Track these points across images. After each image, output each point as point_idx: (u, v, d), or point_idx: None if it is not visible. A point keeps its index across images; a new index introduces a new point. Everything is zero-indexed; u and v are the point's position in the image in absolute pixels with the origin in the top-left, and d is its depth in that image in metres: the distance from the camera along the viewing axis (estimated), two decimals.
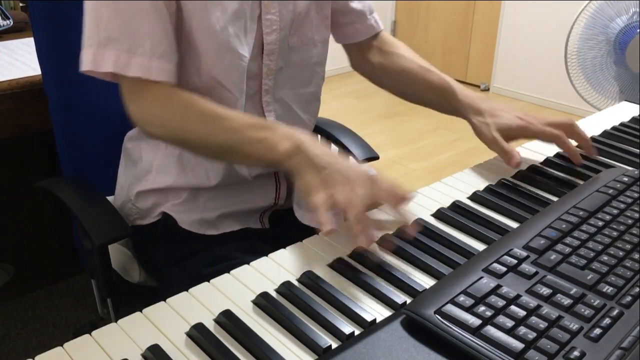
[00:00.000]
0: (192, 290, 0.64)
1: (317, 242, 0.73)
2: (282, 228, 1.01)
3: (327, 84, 1.06)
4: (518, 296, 0.60)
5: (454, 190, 0.87)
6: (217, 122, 0.81)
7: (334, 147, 1.27)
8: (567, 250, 0.68)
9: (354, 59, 1.12)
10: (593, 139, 1.05)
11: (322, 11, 0.98)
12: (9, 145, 1.65)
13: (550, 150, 1.01)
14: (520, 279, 0.63)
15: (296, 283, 0.65)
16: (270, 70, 0.93)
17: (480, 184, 0.89)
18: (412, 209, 0.81)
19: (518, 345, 0.54)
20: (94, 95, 1.11)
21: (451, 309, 0.58)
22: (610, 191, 0.81)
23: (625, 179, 0.85)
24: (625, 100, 1.30)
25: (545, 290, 0.61)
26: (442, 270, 0.68)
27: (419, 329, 0.58)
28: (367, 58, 1.09)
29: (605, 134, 1.08)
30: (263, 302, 0.62)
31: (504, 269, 0.64)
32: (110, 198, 1.03)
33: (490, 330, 0.56)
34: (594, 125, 1.13)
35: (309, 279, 0.65)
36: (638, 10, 2.25)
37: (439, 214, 0.80)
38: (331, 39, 1.05)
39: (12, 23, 1.64)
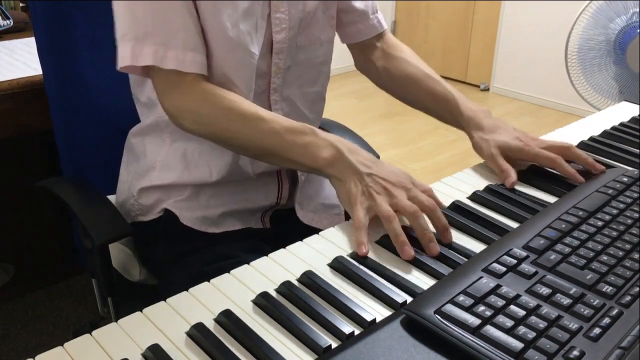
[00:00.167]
0: (192, 290, 0.64)
1: (317, 242, 0.73)
2: (283, 228, 1.01)
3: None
4: (518, 296, 0.60)
5: (454, 190, 0.87)
6: (259, 125, 0.82)
7: None
8: (567, 250, 0.68)
9: (358, 59, 1.12)
10: (593, 139, 1.05)
11: (328, 11, 0.99)
12: (9, 145, 1.65)
13: None
14: (520, 279, 0.63)
15: (296, 283, 0.66)
16: (279, 68, 0.94)
17: (480, 184, 0.89)
18: None
19: (518, 344, 0.54)
20: (94, 95, 1.11)
21: (451, 308, 0.58)
22: (610, 191, 0.81)
23: (625, 179, 0.85)
24: (625, 100, 1.30)
25: (544, 290, 0.61)
26: (442, 270, 0.68)
27: (419, 329, 0.58)
28: (371, 60, 1.09)
29: (605, 134, 1.08)
30: (263, 302, 0.62)
31: (504, 269, 0.64)
32: (110, 197, 1.03)
33: (490, 330, 0.56)
34: (594, 125, 1.13)
35: (309, 279, 0.65)
36: (638, 10, 2.25)
37: None
38: (336, 39, 1.05)
39: (12, 23, 1.64)
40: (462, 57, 4.24)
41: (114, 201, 1.06)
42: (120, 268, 1.04)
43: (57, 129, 1.12)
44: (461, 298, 0.59)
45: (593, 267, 0.65)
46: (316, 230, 0.76)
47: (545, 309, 0.58)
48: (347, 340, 0.57)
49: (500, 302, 0.59)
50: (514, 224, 0.78)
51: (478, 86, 4.17)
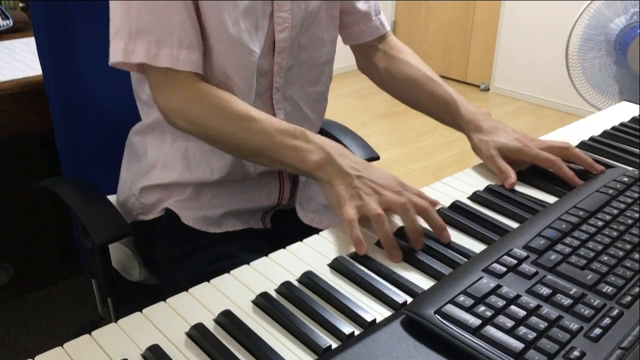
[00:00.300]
0: (192, 290, 0.64)
1: (317, 242, 0.73)
2: (283, 228, 1.01)
3: None
4: (518, 296, 0.60)
5: (454, 190, 0.87)
6: (250, 125, 0.82)
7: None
8: (567, 250, 0.68)
9: (360, 61, 1.12)
10: (593, 139, 1.05)
11: (331, 11, 0.99)
12: (9, 145, 1.65)
13: None
14: (520, 279, 0.63)
15: (296, 283, 0.65)
16: (281, 68, 0.94)
17: (480, 184, 0.89)
18: None
19: (518, 345, 0.54)
20: (94, 95, 1.11)
21: (451, 309, 0.58)
22: (610, 191, 0.81)
23: (625, 179, 0.85)
24: (625, 100, 1.30)
25: (545, 290, 0.61)
26: (442, 270, 0.68)
27: (419, 329, 0.58)
28: (373, 61, 1.09)
29: (605, 134, 1.08)
30: (263, 302, 0.62)
31: (504, 269, 0.64)
32: (111, 197, 1.03)
33: (490, 330, 0.56)
34: (594, 125, 1.13)
35: (309, 279, 0.65)
36: (638, 10, 2.25)
37: (439, 214, 0.80)
38: (338, 39, 1.05)
39: (12, 23, 1.64)
40: (462, 57, 4.24)
41: (115, 200, 1.06)
42: (120, 268, 1.04)
43: (57, 129, 1.12)
44: (461, 298, 0.59)
45: (593, 267, 0.65)
46: (316, 231, 0.76)
47: (546, 309, 0.58)
48: (347, 341, 0.57)
49: (501, 303, 0.59)
50: (514, 224, 0.78)
51: (478, 86, 4.17)
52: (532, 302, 0.59)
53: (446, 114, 1.01)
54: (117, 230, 0.90)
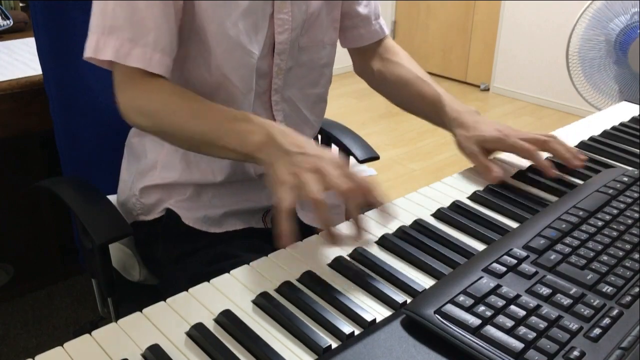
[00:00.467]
0: (192, 290, 0.64)
1: (317, 242, 0.73)
2: None
3: None
4: (518, 296, 0.60)
5: (454, 190, 0.87)
6: (197, 113, 0.81)
7: (334, 147, 1.27)
8: (567, 250, 0.68)
9: (357, 64, 1.13)
10: (593, 139, 1.05)
11: (331, 13, 0.99)
12: (9, 145, 1.65)
13: None
14: (520, 279, 0.63)
15: (296, 283, 0.65)
16: (280, 69, 0.94)
17: (480, 184, 0.89)
18: (413, 209, 0.82)
19: (518, 345, 0.54)
20: (95, 95, 1.11)
21: (451, 308, 0.58)
22: (610, 191, 0.81)
23: (625, 179, 0.85)
24: (625, 100, 1.30)
25: (545, 290, 0.61)
26: (442, 270, 0.68)
27: (419, 329, 0.58)
28: (369, 64, 1.10)
29: (605, 134, 1.08)
30: (263, 302, 0.62)
31: (504, 269, 0.64)
32: (111, 197, 1.03)
33: (490, 330, 0.56)
34: (594, 125, 1.13)
35: (309, 279, 0.65)
36: (638, 10, 2.25)
37: (439, 214, 0.80)
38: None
39: (12, 23, 1.64)
40: (462, 57, 4.24)
41: (115, 201, 1.06)
42: (120, 268, 1.04)
43: (57, 129, 1.12)
44: (461, 298, 0.59)
45: (593, 267, 0.65)
46: (317, 231, 0.76)
47: (546, 309, 0.58)
48: (347, 341, 0.57)
49: (501, 302, 0.59)
50: (514, 224, 0.78)
51: (478, 86, 4.17)
52: (532, 302, 0.59)
53: (433, 113, 1.01)
54: (117, 230, 0.90)
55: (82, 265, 1.15)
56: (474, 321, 0.56)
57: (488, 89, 4.13)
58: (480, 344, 0.54)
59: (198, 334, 0.57)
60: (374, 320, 0.60)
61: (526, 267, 0.65)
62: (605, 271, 0.64)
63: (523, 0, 3.75)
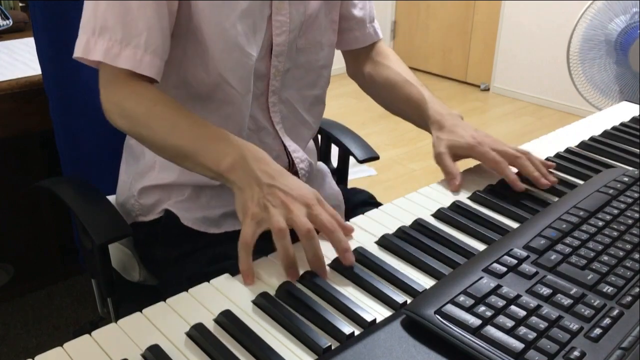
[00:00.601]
0: (192, 290, 0.64)
1: None
2: None
3: None
4: (518, 296, 0.60)
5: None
6: (178, 125, 0.80)
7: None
8: (567, 250, 0.68)
9: (349, 66, 1.13)
10: (593, 138, 1.05)
11: (330, 15, 0.98)
12: (9, 145, 1.65)
13: (550, 150, 1.01)
14: (520, 279, 0.63)
15: (296, 283, 0.65)
16: (278, 71, 0.93)
17: (480, 184, 0.89)
18: (413, 209, 0.82)
19: (518, 345, 0.54)
20: (95, 95, 1.11)
21: (451, 309, 0.58)
22: (610, 191, 0.81)
23: (625, 179, 0.85)
24: (625, 100, 1.30)
25: (545, 290, 0.61)
26: (442, 270, 0.68)
27: (419, 329, 0.58)
28: (361, 67, 1.10)
29: (605, 134, 1.08)
30: (263, 302, 0.62)
31: (504, 269, 0.64)
32: (110, 197, 1.03)
33: (491, 330, 0.56)
34: (594, 125, 1.13)
35: (309, 279, 0.65)
36: (638, 10, 2.25)
37: (439, 214, 0.80)
38: None
39: (12, 23, 1.64)
40: (462, 57, 4.24)
41: (114, 201, 1.06)
42: (120, 268, 1.04)
43: (57, 129, 1.12)
44: (461, 298, 0.59)
45: (593, 267, 0.65)
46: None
47: (546, 310, 0.58)
48: (347, 341, 0.57)
49: (501, 303, 0.59)
50: (514, 224, 0.78)
51: (478, 86, 4.16)
52: (532, 302, 0.59)
53: (417, 115, 1.00)
54: (117, 231, 0.90)
55: (82, 265, 1.15)
56: (474, 321, 0.56)
57: (488, 89, 4.13)
58: (481, 344, 0.54)
59: (198, 334, 0.57)
60: (374, 320, 0.60)
61: (526, 267, 0.65)
62: (605, 271, 0.64)
63: (523, 0, 3.75)
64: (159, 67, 0.83)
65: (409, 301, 0.62)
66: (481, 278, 0.62)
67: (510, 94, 4.01)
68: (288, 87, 0.97)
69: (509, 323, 0.56)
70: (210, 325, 0.59)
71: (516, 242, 0.70)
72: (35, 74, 1.28)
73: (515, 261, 0.66)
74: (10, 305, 1.82)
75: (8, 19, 1.64)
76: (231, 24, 0.85)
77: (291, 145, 0.99)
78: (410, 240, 0.73)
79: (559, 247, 0.69)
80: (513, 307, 0.58)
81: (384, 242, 0.73)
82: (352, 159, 1.24)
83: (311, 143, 1.10)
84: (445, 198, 0.85)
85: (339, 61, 1.10)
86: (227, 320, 0.59)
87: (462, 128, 0.92)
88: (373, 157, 1.21)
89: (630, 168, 0.92)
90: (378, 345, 0.56)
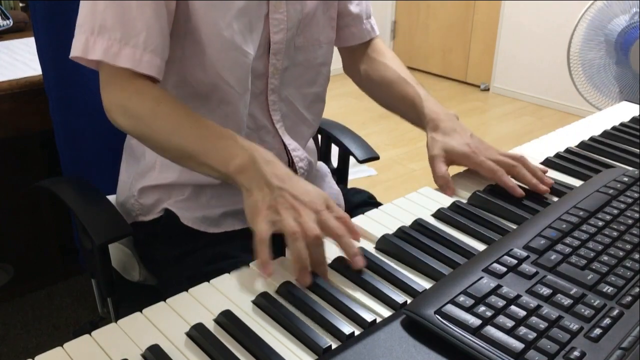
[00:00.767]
0: (192, 290, 0.64)
1: None
2: None
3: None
4: (518, 296, 0.60)
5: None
6: (183, 124, 0.80)
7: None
8: (567, 250, 0.68)
9: (346, 63, 1.13)
10: (593, 138, 1.05)
11: (328, 12, 0.98)
12: (9, 145, 1.65)
13: (550, 150, 1.01)
14: (520, 279, 0.63)
15: (296, 283, 0.65)
16: (276, 69, 0.93)
17: (480, 184, 0.89)
18: (413, 209, 0.82)
19: (518, 345, 0.54)
20: (95, 95, 1.11)
21: (451, 309, 0.58)
22: (610, 191, 0.81)
23: (625, 179, 0.85)
24: (625, 100, 1.30)
25: (545, 291, 0.61)
26: (442, 270, 0.68)
27: (419, 329, 0.58)
28: (357, 64, 1.09)
29: (605, 134, 1.08)
30: (263, 302, 0.62)
31: (504, 269, 0.64)
32: (110, 197, 1.03)
33: (491, 330, 0.56)
34: (594, 125, 1.13)
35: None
36: (638, 10, 2.25)
37: (439, 214, 0.80)
38: None
39: (12, 23, 1.64)
40: (462, 57, 4.24)
41: (114, 201, 1.06)
42: (120, 268, 1.04)
43: (57, 129, 1.12)
44: (461, 298, 0.59)
45: (593, 267, 0.65)
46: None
47: (546, 310, 0.58)
48: (347, 341, 0.57)
49: (501, 303, 0.59)
50: (514, 224, 0.78)
51: (478, 86, 4.16)
52: (532, 302, 0.59)
53: (413, 113, 1.00)
54: (117, 231, 0.90)
55: (82, 265, 1.15)
56: (474, 321, 0.56)
57: (488, 89, 4.13)
58: (481, 344, 0.54)
59: (198, 334, 0.57)
60: (374, 320, 0.60)
61: (526, 267, 0.65)
62: (605, 271, 0.64)
63: (523, 0, 3.75)
64: (159, 66, 0.83)
65: (409, 301, 0.62)
66: (481, 278, 0.62)
67: (510, 94, 4.01)
68: (287, 85, 0.97)
69: (509, 323, 0.56)
70: (210, 325, 0.59)
71: (516, 242, 0.70)
72: (35, 74, 1.28)
73: (515, 261, 0.66)
74: (10, 305, 1.82)
75: (8, 19, 1.64)
76: (227, 23, 0.85)
77: (291, 144, 0.99)
78: (410, 240, 0.73)
79: (559, 247, 0.69)
80: (513, 307, 0.58)
81: (384, 242, 0.73)
82: (352, 159, 1.24)
83: (311, 142, 1.10)
84: (445, 198, 0.85)
85: (339, 61, 1.10)
86: (227, 320, 0.59)
87: (457, 132, 0.91)
88: (373, 157, 1.21)
89: (630, 168, 0.92)
90: (378, 345, 0.56)
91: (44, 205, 1.77)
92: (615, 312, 0.58)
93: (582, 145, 1.03)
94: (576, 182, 0.90)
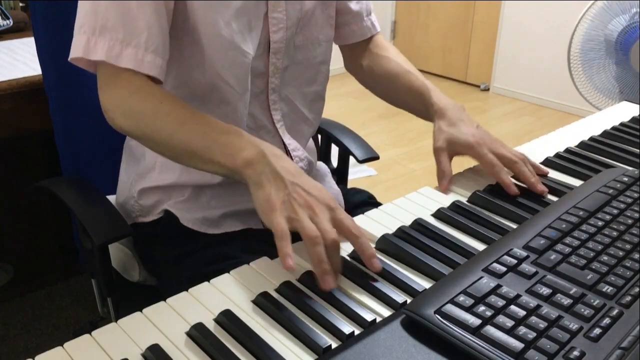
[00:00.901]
0: (192, 290, 0.64)
1: None
2: None
3: (327, 83, 1.07)
4: (518, 296, 0.60)
5: (454, 190, 0.87)
6: (186, 121, 0.79)
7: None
8: (567, 250, 0.68)
9: (347, 60, 1.13)
10: (593, 138, 1.05)
11: (326, 10, 0.98)
12: (9, 145, 1.65)
13: (550, 150, 1.01)
14: (520, 279, 0.63)
15: (296, 283, 0.65)
16: (276, 68, 0.93)
17: (480, 184, 0.89)
18: (413, 209, 0.82)
19: (518, 345, 0.54)
20: (95, 95, 1.11)
21: (451, 308, 0.58)
22: (610, 191, 0.81)
23: (625, 179, 0.85)
24: (625, 100, 1.30)
25: (545, 290, 0.61)
26: (442, 270, 0.68)
27: (419, 329, 0.58)
28: (358, 60, 1.10)
29: (605, 134, 1.08)
30: (263, 302, 0.62)
31: (504, 269, 0.64)
32: (110, 197, 1.03)
33: (490, 330, 0.56)
34: (594, 125, 1.13)
35: (309, 279, 0.65)
36: (638, 10, 2.26)
37: (439, 214, 0.80)
38: None
39: (12, 23, 1.64)
40: (462, 57, 4.24)
41: (114, 202, 1.06)
42: (119, 268, 1.04)
43: (57, 129, 1.12)
44: (461, 298, 0.59)
45: (593, 267, 0.65)
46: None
47: (546, 309, 0.58)
48: (347, 341, 0.57)
49: (501, 302, 0.59)
50: (514, 224, 0.78)
51: (478, 86, 4.16)
52: (532, 302, 0.59)
53: (420, 104, 1.00)
54: (117, 231, 0.90)
55: (82, 265, 1.15)
56: (474, 321, 0.56)
57: (488, 89, 4.13)
58: (480, 344, 0.54)
59: (198, 334, 0.57)
60: (374, 320, 0.60)
61: (526, 267, 0.65)
62: (605, 271, 0.64)
63: (523, 0, 3.75)
64: (160, 67, 0.82)
65: (409, 301, 0.62)
66: (481, 278, 0.63)
67: (510, 94, 4.01)
68: (287, 84, 0.97)
69: (509, 323, 0.56)
70: (210, 325, 0.59)
71: (516, 242, 0.70)
72: (35, 74, 1.28)
73: (515, 261, 0.66)
74: (10, 305, 1.82)
75: (8, 19, 1.64)
76: (226, 22, 0.85)
77: (291, 144, 0.99)
78: (410, 240, 0.73)
79: (559, 247, 0.69)
80: (513, 307, 0.58)
81: (384, 242, 0.73)
82: (352, 159, 1.24)
83: (311, 142, 1.10)
84: (445, 198, 0.85)
85: (339, 61, 1.10)
86: (227, 320, 0.59)
87: (464, 123, 0.92)
88: (373, 157, 1.22)
89: (630, 168, 0.92)
90: (378, 345, 0.56)
91: (44, 205, 1.77)
92: (615, 312, 0.58)
93: (582, 145, 1.03)
94: (576, 182, 0.90)
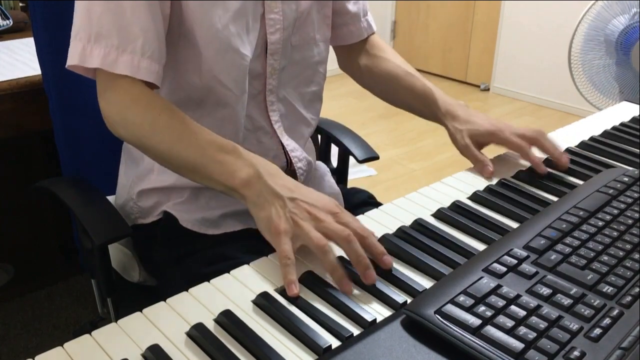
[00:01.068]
0: (192, 290, 0.64)
1: None
2: None
3: (327, 83, 1.07)
4: (518, 296, 0.60)
5: (454, 190, 0.87)
6: (184, 136, 0.78)
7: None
8: (567, 250, 0.68)
9: (342, 59, 1.13)
10: (593, 138, 1.05)
11: (322, 10, 0.98)
12: (9, 145, 1.65)
13: None
14: (520, 279, 0.63)
15: (296, 283, 0.65)
16: (274, 69, 0.93)
17: (480, 184, 0.89)
18: (413, 209, 0.82)
19: (518, 345, 0.54)
20: (94, 95, 1.11)
21: (451, 309, 0.58)
22: (610, 191, 0.81)
23: (625, 179, 0.85)
24: (625, 100, 1.30)
25: (545, 290, 0.61)
26: (442, 270, 0.68)
27: (419, 329, 0.58)
28: (355, 59, 1.10)
29: (605, 134, 1.08)
30: (263, 302, 0.62)
31: (504, 269, 0.64)
32: (110, 198, 1.03)
33: (490, 330, 0.56)
34: (594, 125, 1.13)
35: (310, 279, 0.65)
36: (638, 10, 2.25)
37: (439, 214, 0.80)
38: None
39: (12, 23, 1.64)
40: (462, 57, 4.24)
41: (114, 203, 1.06)
42: (119, 269, 1.04)
43: (57, 129, 1.12)
44: (461, 298, 0.59)
45: (593, 267, 0.65)
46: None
47: (546, 309, 0.58)
48: (347, 341, 0.57)
49: (501, 303, 0.59)
50: (514, 224, 0.78)
51: (478, 86, 4.16)
52: (532, 302, 0.59)
53: (424, 106, 1.02)
54: (116, 231, 0.90)
55: (82, 265, 1.15)
56: (474, 321, 0.56)
57: (488, 89, 4.13)
58: (481, 344, 0.54)
59: (198, 334, 0.57)
60: (374, 320, 0.60)
61: (526, 267, 0.65)
62: (605, 271, 0.64)
63: (523, 0, 3.75)
64: (157, 72, 0.82)
65: (409, 301, 0.62)
66: (481, 278, 0.62)
67: (510, 94, 4.01)
68: (285, 85, 0.97)
69: (509, 323, 0.56)
70: (210, 325, 0.59)
71: (516, 242, 0.70)
72: (35, 74, 1.28)
73: (515, 261, 0.66)
74: (10, 305, 1.82)
75: (8, 19, 1.64)
76: (224, 25, 0.85)
77: (289, 145, 0.99)
78: (410, 240, 0.73)
79: (559, 247, 0.69)
80: (513, 307, 0.58)
81: (384, 242, 0.73)
82: (352, 159, 1.24)
83: (310, 142, 1.10)
84: (445, 198, 0.85)
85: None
86: (227, 320, 0.59)
87: (477, 117, 0.95)
88: (373, 157, 1.22)
89: (630, 168, 0.92)
90: (378, 345, 0.56)
91: (44, 205, 1.77)
92: (615, 312, 0.58)
93: (582, 145, 1.03)
94: (576, 182, 0.90)
